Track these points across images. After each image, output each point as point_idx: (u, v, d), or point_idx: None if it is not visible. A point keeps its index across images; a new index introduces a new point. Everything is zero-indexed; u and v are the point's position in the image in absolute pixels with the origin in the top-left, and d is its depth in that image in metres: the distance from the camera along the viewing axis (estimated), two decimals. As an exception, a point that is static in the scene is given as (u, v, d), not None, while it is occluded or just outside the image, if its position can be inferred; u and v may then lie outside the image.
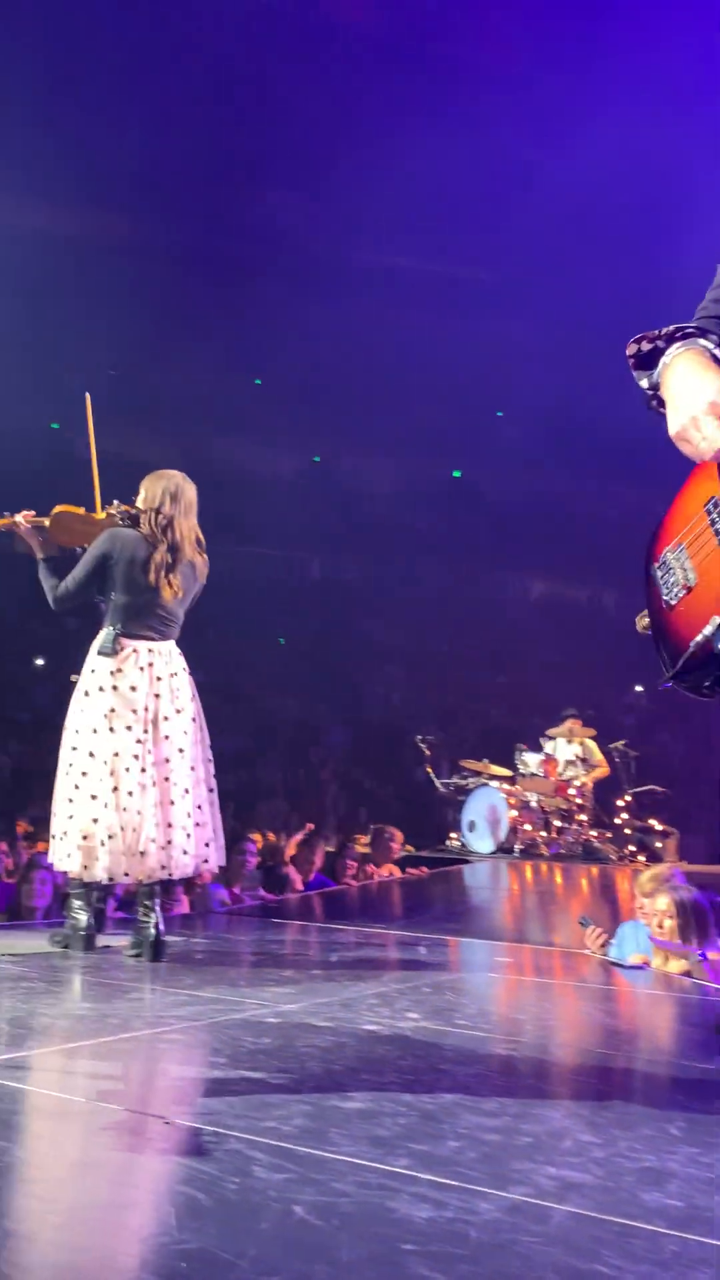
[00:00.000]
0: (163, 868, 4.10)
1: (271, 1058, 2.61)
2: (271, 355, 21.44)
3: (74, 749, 4.15)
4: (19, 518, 4.39)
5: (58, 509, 4.39)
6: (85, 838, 4.05)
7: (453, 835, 10.14)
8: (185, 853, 4.16)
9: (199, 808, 4.24)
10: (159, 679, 4.18)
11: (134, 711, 4.11)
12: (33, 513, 4.40)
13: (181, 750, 4.19)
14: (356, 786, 14.26)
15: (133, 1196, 1.77)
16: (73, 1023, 2.99)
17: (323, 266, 20.27)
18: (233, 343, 20.63)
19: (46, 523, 4.38)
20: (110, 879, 4.10)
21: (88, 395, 4.62)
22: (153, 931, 4.06)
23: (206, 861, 4.32)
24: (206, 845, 4.25)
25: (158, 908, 4.14)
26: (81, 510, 4.39)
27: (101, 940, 4.19)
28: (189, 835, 4.17)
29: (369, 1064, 2.58)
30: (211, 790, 4.33)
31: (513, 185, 18.35)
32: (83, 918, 4.15)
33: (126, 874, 4.08)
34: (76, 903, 4.18)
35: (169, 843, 4.10)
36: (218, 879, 6.28)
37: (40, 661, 14.66)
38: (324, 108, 18.26)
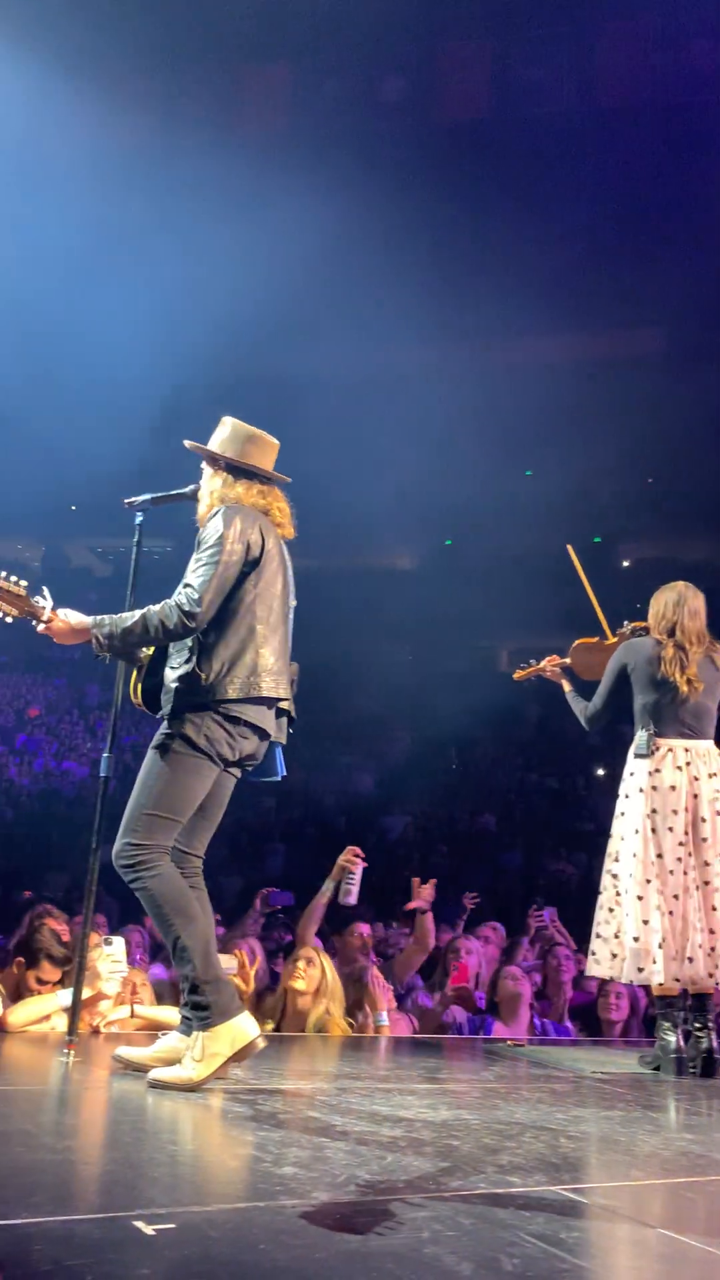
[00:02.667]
0: (710, 975, 3.93)
1: None
2: None
3: (617, 854, 4.14)
4: (544, 664, 4.76)
5: (575, 644, 4.71)
6: (636, 939, 3.96)
7: None
8: None
9: None
10: (696, 779, 4.06)
11: (674, 812, 4.01)
12: (555, 657, 4.75)
13: None
14: None
15: None
16: (676, 1155, 2.77)
17: None
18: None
19: (568, 660, 4.70)
20: (662, 984, 3.94)
21: (569, 546, 4.99)
22: (706, 1045, 3.89)
23: None
24: None
25: (711, 1021, 3.96)
26: (595, 639, 4.68)
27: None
28: None
29: None
30: None
31: None
32: (672, 1039, 3.96)
33: (677, 979, 3.93)
34: (665, 1024, 4.01)
35: (714, 949, 3.92)
36: None
37: (600, 772, 14.76)
38: None
